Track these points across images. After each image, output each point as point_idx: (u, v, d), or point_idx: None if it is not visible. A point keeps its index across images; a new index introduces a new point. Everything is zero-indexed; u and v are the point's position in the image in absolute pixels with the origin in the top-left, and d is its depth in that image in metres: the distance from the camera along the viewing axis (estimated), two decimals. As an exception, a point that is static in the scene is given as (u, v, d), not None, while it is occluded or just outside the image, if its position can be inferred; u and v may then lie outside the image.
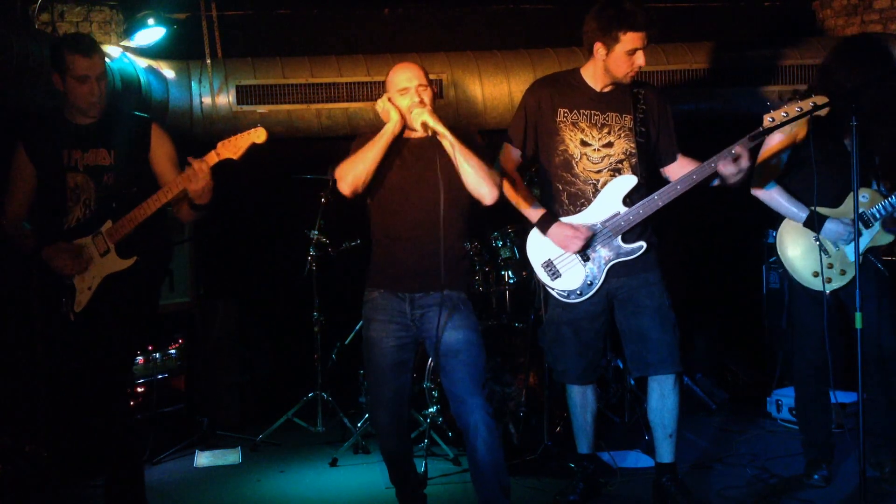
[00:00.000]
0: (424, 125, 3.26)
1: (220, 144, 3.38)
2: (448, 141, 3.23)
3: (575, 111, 3.68)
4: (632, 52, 3.54)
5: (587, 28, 3.63)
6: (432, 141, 3.30)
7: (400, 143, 3.39)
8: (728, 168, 3.52)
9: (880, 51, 3.77)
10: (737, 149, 3.51)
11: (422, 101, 3.31)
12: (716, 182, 3.70)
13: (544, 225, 3.67)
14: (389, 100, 3.39)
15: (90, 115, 3.47)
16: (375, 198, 3.42)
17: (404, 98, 3.34)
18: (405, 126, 3.38)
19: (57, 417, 4.30)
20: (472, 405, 3.34)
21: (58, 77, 3.42)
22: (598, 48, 3.59)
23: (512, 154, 3.76)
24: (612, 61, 3.58)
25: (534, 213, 3.69)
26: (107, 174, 3.47)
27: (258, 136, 3.36)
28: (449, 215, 3.28)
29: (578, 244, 3.61)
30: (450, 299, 3.36)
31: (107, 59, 3.53)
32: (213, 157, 3.36)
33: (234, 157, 3.37)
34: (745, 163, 3.52)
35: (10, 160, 3.51)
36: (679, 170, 3.72)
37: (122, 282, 3.45)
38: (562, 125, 3.68)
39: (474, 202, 3.36)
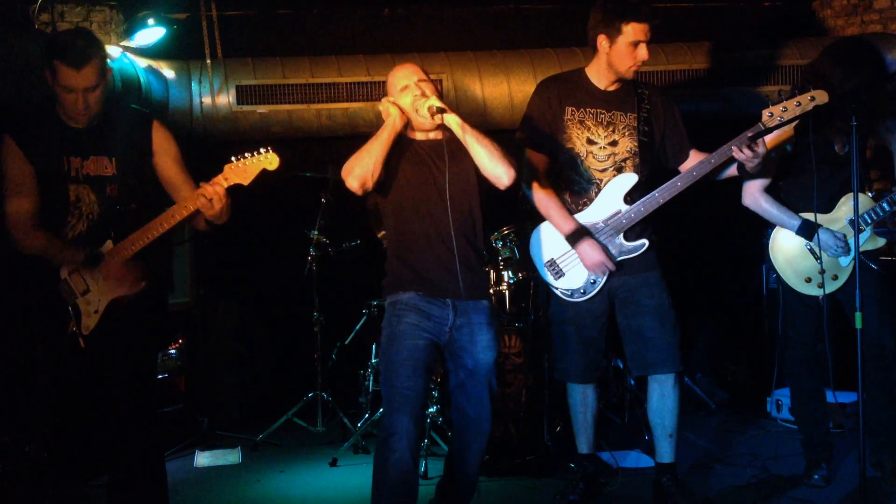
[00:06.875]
0: (431, 109, 3.19)
1: (227, 168, 3.12)
2: (456, 121, 3.19)
3: (581, 109, 3.67)
4: (635, 45, 3.53)
5: (591, 22, 3.62)
6: (439, 141, 3.27)
7: (409, 144, 3.33)
8: (744, 153, 3.43)
9: (873, 53, 3.74)
10: (751, 133, 3.43)
11: (423, 94, 3.26)
12: (725, 174, 3.68)
13: (576, 239, 3.60)
14: (392, 102, 3.32)
15: (79, 122, 3.15)
16: (389, 200, 3.31)
17: (406, 95, 3.28)
18: (411, 127, 3.33)
19: (57, 417, 4.29)
20: (476, 431, 3.36)
21: (48, 74, 3.08)
22: (602, 41, 3.57)
23: (537, 157, 3.69)
24: (615, 54, 3.56)
25: (566, 225, 3.62)
26: (110, 185, 3.17)
27: (270, 162, 3.15)
28: (469, 212, 3.28)
29: (603, 272, 3.61)
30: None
31: (109, 61, 3.22)
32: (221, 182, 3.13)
33: (244, 184, 3.14)
34: (761, 148, 3.44)
35: None
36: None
37: (132, 304, 3.18)
38: (569, 123, 3.66)
39: (487, 197, 3.33)
